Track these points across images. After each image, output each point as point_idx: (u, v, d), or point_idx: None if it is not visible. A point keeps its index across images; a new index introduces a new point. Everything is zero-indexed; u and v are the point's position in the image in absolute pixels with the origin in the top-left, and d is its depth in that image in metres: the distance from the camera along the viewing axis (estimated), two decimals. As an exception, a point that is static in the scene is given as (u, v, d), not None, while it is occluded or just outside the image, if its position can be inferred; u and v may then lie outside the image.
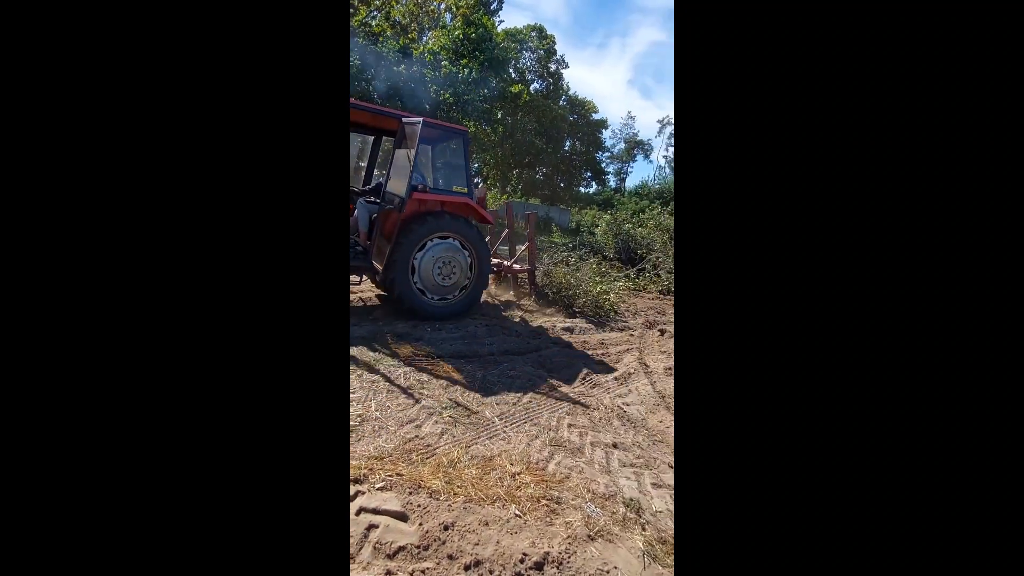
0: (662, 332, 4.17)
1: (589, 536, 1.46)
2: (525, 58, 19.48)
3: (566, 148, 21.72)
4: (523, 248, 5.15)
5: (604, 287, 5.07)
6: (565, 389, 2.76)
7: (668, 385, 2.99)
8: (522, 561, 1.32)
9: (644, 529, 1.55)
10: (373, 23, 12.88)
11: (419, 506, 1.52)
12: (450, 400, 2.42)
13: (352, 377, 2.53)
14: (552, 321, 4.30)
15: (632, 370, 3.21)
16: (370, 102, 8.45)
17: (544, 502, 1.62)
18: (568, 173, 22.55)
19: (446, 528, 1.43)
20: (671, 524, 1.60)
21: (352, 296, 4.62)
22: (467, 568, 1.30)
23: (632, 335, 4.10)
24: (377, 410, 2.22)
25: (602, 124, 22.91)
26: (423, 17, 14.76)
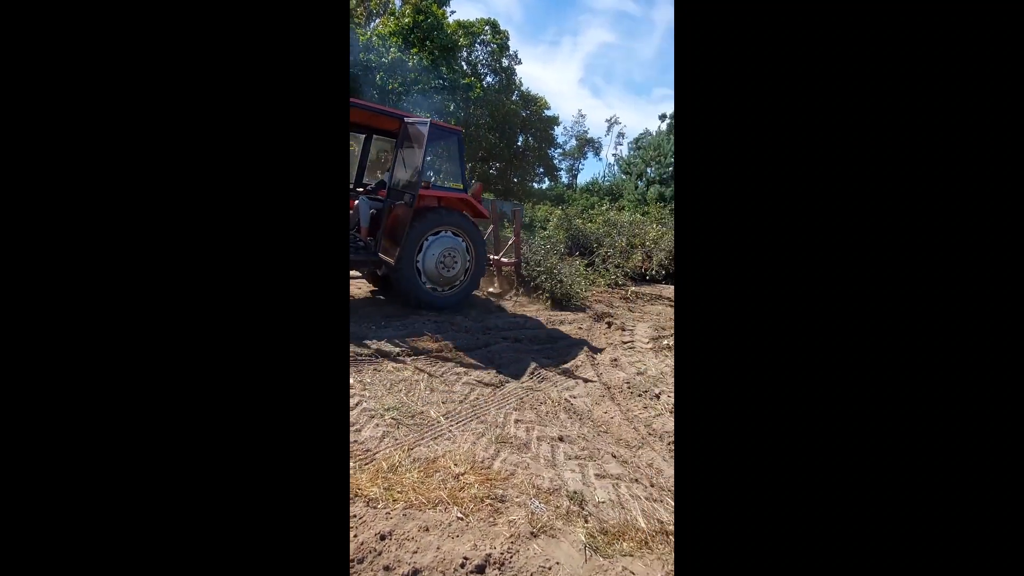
0: (609, 325, 4.29)
1: (532, 533, 1.45)
2: (478, 51, 19.25)
3: (519, 143, 21.79)
4: (510, 243, 5.45)
5: (580, 279, 5.36)
6: (513, 384, 2.74)
7: (614, 377, 3.06)
8: (463, 566, 1.28)
9: (587, 521, 1.56)
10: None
11: (354, 516, 1.43)
12: (393, 401, 2.32)
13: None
14: (523, 309, 4.28)
15: (580, 363, 3.26)
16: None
17: (488, 502, 1.59)
18: (521, 168, 22.65)
19: (383, 538, 1.35)
20: (613, 514, 1.63)
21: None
22: (404, 578, 1.24)
23: (581, 328, 4.18)
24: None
25: (554, 121, 23.19)
26: (371, 1, 14.09)
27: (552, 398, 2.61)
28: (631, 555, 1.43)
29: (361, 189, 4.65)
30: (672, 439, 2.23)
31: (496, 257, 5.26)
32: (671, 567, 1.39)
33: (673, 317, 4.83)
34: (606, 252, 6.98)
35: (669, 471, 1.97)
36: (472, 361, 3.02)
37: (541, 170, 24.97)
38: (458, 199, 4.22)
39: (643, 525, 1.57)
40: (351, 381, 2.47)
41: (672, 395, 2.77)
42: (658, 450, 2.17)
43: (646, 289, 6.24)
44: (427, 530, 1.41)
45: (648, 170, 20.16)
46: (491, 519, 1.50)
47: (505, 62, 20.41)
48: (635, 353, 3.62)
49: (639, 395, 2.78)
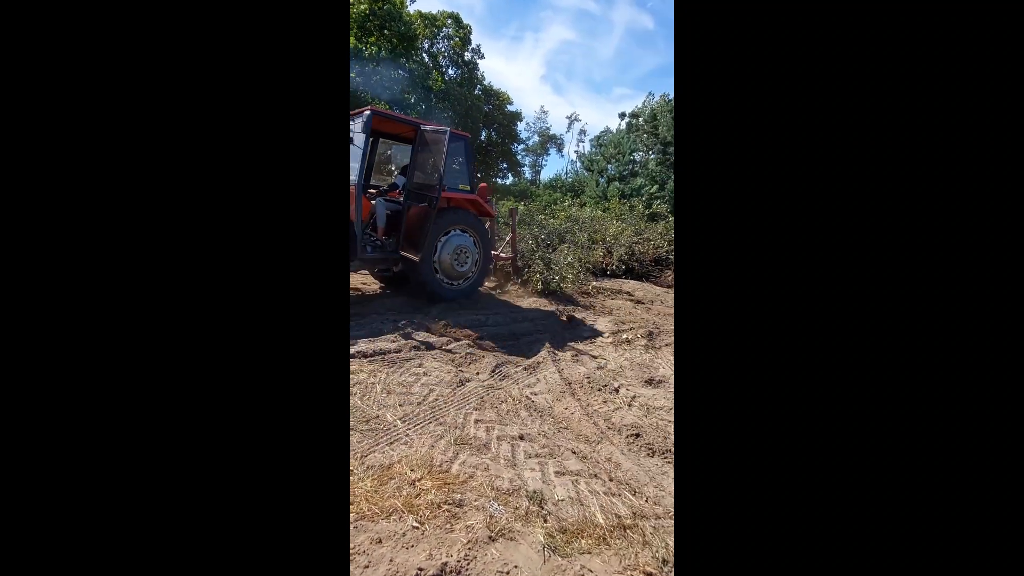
0: (570, 319, 4.33)
1: (490, 537, 1.42)
2: (440, 44, 18.86)
3: (482, 138, 21.60)
4: (507, 240, 5.83)
5: (570, 269, 5.64)
6: (474, 383, 2.70)
7: (575, 372, 3.08)
8: (416, 577, 1.23)
9: (546, 521, 1.55)
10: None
11: (299, 532, 1.34)
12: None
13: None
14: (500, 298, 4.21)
15: (542, 359, 3.26)
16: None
17: (445, 508, 1.54)
18: (485, 164, 22.49)
19: (330, 554, 1.27)
20: (572, 511, 1.62)
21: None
22: (352, 596, 1.17)
23: (543, 324, 4.18)
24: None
25: (517, 116, 23.18)
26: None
27: (513, 396, 2.59)
28: (589, 552, 1.43)
29: (373, 191, 4.91)
30: (630, 432, 2.27)
31: (495, 252, 5.52)
32: (628, 561, 1.40)
33: (632, 312, 4.95)
34: (568, 247, 7.05)
35: (627, 464, 2.00)
36: (435, 364, 2.95)
37: (504, 166, 24.91)
38: (466, 199, 4.57)
39: (601, 521, 1.58)
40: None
41: (630, 388, 2.82)
42: (616, 444, 2.19)
43: (607, 284, 6.36)
44: (379, 542, 1.34)
45: (609, 167, 20.57)
46: (448, 526, 1.46)
47: (468, 55, 20.15)
48: (595, 347, 3.67)
49: (599, 389, 2.82)
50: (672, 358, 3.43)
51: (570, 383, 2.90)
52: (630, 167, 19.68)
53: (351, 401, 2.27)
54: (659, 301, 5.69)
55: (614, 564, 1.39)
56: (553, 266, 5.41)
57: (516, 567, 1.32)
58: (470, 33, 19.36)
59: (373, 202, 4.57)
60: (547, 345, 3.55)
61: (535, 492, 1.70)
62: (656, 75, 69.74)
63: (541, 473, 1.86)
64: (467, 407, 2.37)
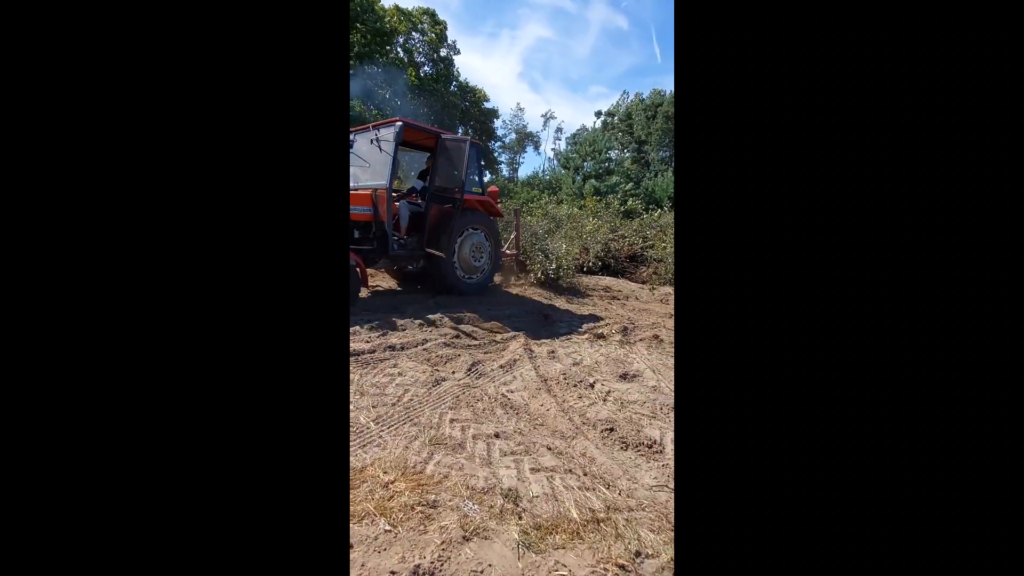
0: (546, 317, 4.35)
1: (464, 537, 1.41)
2: (415, 40, 18.57)
3: (459, 135, 21.43)
4: (512, 238, 6.34)
5: (568, 258, 6.19)
6: (449, 383, 2.68)
7: (551, 368, 3.10)
8: (388, 581, 1.21)
9: (520, 518, 1.55)
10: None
11: (265, 541, 1.29)
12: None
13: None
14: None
15: (517, 356, 3.26)
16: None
17: (419, 509, 1.52)
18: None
19: (298, 561, 1.23)
20: (546, 507, 1.63)
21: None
22: (321, 604, 1.14)
23: (522, 320, 4.19)
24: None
25: (493, 113, 23.10)
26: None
27: (489, 394, 2.58)
28: (563, 547, 1.44)
29: (395, 194, 5.25)
30: (604, 426, 2.30)
31: (502, 249, 5.99)
32: (602, 555, 1.42)
33: (607, 307, 5.02)
34: (544, 244, 7.09)
35: (601, 459, 2.03)
36: (409, 364, 2.91)
37: (482, 163, 24.74)
38: (479, 200, 5.11)
39: (575, 516, 1.59)
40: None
41: (605, 383, 2.86)
42: (591, 438, 2.22)
43: (585, 280, 6.42)
44: (350, 548, 1.31)
45: (585, 165, 20.75)
46: (422, 527, 1.44)
47: (444, 52, 19.92)
48: (571, 344, 3.71)
49: (574, 385, 2.84)
50: (646, 352, 3.49)
51: (546, 380, 2.91)
52: (606, 165, 19.92)
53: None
54: (634, 297, 5.79)
55: (587, 558, 1.41)
56: (551, 256, 5.94)
57: (490, 566, 1.31)
58: (445, 29, 19.14)
59: (396, 204, 4.87)
60: (523, 342, 3.56)
61: (510, 490, 1.70)
62: (631, 75, 70.76)
63: (516, 470, 1.86)
64: (442, 406, 2.35)
